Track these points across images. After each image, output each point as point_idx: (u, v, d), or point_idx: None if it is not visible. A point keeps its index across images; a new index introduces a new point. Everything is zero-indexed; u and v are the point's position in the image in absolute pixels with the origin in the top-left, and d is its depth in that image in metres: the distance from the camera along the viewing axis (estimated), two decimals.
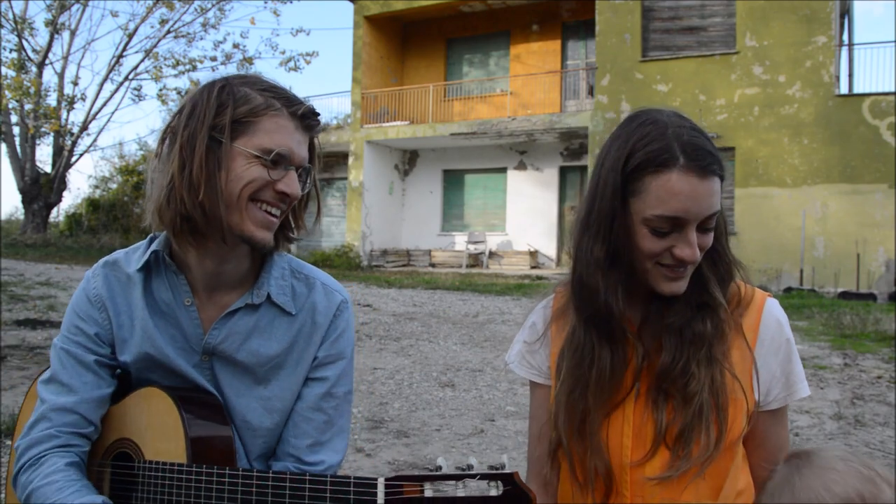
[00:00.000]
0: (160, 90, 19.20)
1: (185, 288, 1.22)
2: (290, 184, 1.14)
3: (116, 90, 19.71)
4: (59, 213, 23.13)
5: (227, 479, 1.09)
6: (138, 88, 22.03)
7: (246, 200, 1.12)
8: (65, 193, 20.16)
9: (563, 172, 16.86)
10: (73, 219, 21.88)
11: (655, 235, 1.07)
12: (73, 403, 1.18)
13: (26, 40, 19.17)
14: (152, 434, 1.19)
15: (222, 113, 1.11)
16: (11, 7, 20.17)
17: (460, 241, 17.55)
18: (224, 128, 1.10)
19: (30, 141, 19.09)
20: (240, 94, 1.12)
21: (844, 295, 11.44)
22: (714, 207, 1.07)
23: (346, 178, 18.16)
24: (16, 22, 18.35)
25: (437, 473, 0.91)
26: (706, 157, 1.05)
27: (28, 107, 18.55)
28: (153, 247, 1.22)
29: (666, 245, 1.08)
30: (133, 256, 1.27)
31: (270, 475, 1.06)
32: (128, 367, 1.24)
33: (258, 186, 1.12)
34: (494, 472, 0.90)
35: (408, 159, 19.03)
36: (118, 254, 1.30)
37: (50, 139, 19.84)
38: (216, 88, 1.13)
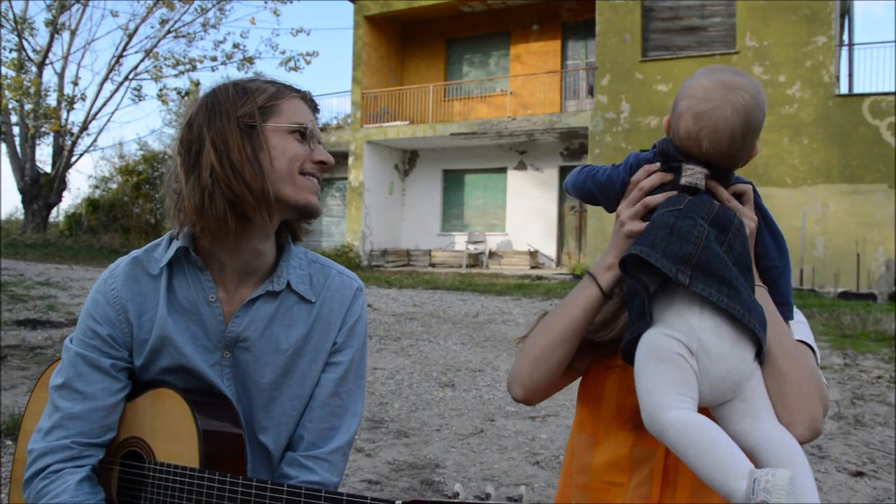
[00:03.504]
0: (160, 90, 19.20)
1: (209, 284, 1.24)
2: (325, 153, 1.24)
3: (116, 90, 19.69)
4: (59, 213, 23.12)
5: (240, 489, 1.09)
6: (138, 88, 22.02)
7: (296, 173, 1.19)
8: (65, 193, 20.14)
9: (564, 172, 16.85)
10: (73, 219, 21.86)
11: None
12: (88, 411, 1.17)
13: (26, 40, 19.18)
14: (165, 435, 1.19)
15: (246, 103, 1.17)
16: (11, 7, 20.19)
17: (460, 241, 17.55)
18: (253, 114, 1.17)
19: (30, 141, 19.07)
20: (253, 86, 1.20)
21: (844, 295, 11.44)
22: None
23: (346, 178, 18.15)
24: (16, 22, 18.34)
25: (455, 500, 0.90)
26: None
27: (28, 107, 18.53)
28: (178, 243, 1.23)
29: None
30: (153, 255, 1.27)
31: (285, 488, 1.06)
32: (144, 369, 1.24)
33: (302, 159, 1.20)
34: (512, 502, 0.90)
35: (408, 159, 19.03)
36: (137, 253, 1.29)
37: (50, 139, 19.83)
38: (230, 87, 1.20)
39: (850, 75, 15.35)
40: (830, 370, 5.49)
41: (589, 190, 1.17)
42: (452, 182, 18.38)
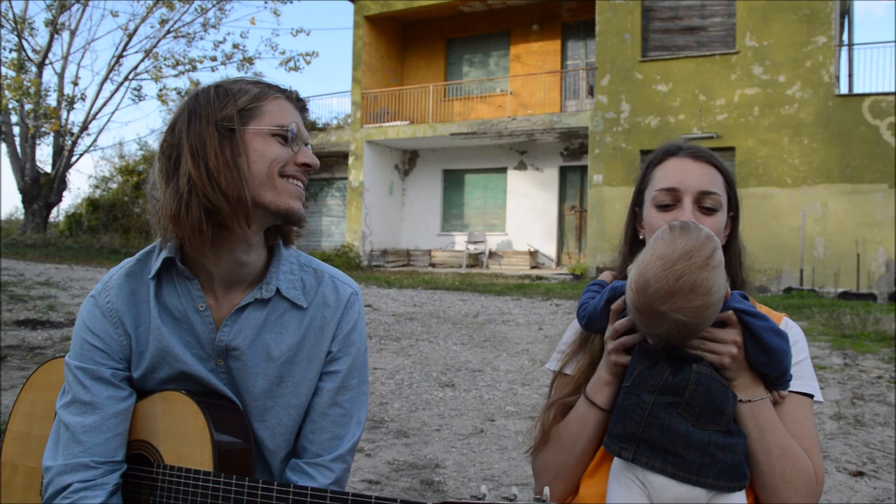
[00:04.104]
0: (160, 90, 19.18)
1: (198, 293, 1.21)
2: (309, 155, 1.20)
3: (116, 90, 19.68)
4: (59, 213, 23.10)
5: (259, 492, 1.07)
6: (138, 88, 22.01)
7: (276, 177, 1.16)
8: (65, 193, 20.12)
9: (563, 172, 16.86)
10: (73, 219, 21.83)
11: (660, 210, 1.24)
12: (100, 421, 1.15)
13: (26, 40, 19.16)
14: (174, 438, 1.17)
15: (227, 106, 1.14)
16: (11, 7, 20.21)
17: (460, 241, 17.55)
18: (233, 118, 1.13)
19: (30, 141, 19.06)
20: (235, 88, 1.17)
21: (844, 295, 11.43)
22: (707, 186, 1.23)
23: (346, 178, 18.14)
24: (16, 22, 18.33)
25: (483, 502, 0.91)
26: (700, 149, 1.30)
27: (28, 107, 18.51)
28: (164, 254, 1.21)
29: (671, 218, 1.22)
30: (146, 265, 1.25)
31: (309, 491, 1.05)
32: (143, 381, 1.22)
33: (283, 162, 1.16)
34: (540, 501, 0.91)
35: (408, 159, 19.03)
36: (129, 265, 1.26)
37: (50, 139, 19.82)
38: (212, 90, 1.17)
39: (850, 75, 15.35)
40: (830, 370, 5.49)
41: (584, 324, 1.27)
42: (452, 182, 18.38)
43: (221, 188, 1.11)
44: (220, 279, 1.22)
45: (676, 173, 1.24)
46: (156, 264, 1.21)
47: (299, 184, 1.20)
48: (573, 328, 1.38)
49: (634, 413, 1.08)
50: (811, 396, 1.21)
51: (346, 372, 1.28)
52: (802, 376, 1.21)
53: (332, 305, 1.29)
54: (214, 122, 1.13)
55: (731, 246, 1.30)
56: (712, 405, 1.06)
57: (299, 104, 1.23)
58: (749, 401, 1.10)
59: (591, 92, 16.12)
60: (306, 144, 1.22)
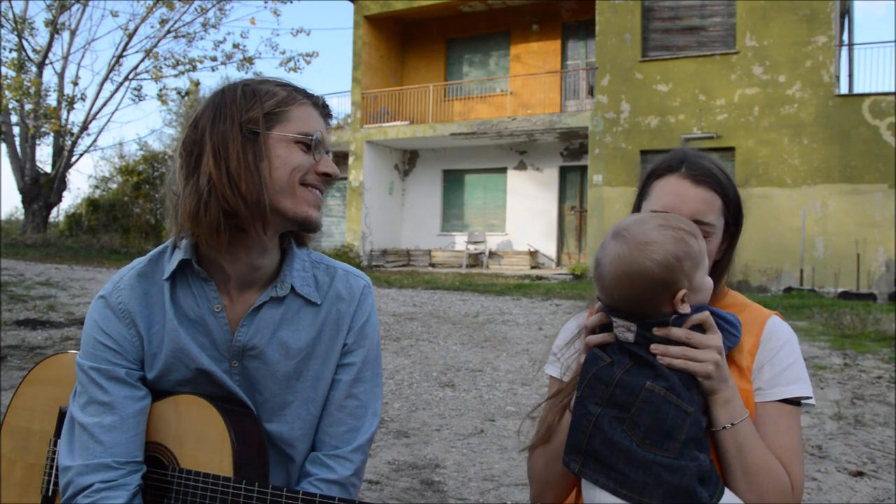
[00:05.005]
0: (160, 90, 19.19)
1: (213, 294, 1.21)
2: (330, 164, 1.19)
3: (116, 90, 19.68)
4: (59, 213, 23.11)
5: (284, 500, 1.06)
6: (138, 88, 21.99)
7: (297, 185, 1.15)
8: (65, 193, 20.13)
9: (563, 172, 16.86)
10: (73, 219, 21.83)
11: None
12: (119, 421, 1.15)
13: (26, 40, 19.17)
14: (192, 443, 1.16)
15: (253, 108, 1.13)
16: (11, 7, 20.20)
17: (460, 241, 17.55)
18: (258, 121, 1.13)
19: (30, 141, 19.06)
20: (263, 90, 1.16)
21: (844, 295, 11.44)
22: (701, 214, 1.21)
23: (346, 178, 18.15)
24: (16, 22, 18.34)
25: None
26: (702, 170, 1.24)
27: (28, 107, 18.52)
28: (180, 255, 1.20)
29: None
30: (157, 266, 1.24)
31: (337, 500, 1.05)
32: (157, 382, 1.21)
33: (305, 170, 1.16)
34: None
35: (408, 159, 19.04)
36: (140, 265, 1.25)
37: (50, 139, 19.83)
38: (239, 88, 1.16)
39: (850, 75, 15.34)
40: (830, 370, 5.49)
41: None
42: (452, 182, 18.38)
43: (241, 192, 1.10)
44: (236, 280, 1.22)
45: (672, 196, 1.21)
46: (170, 266, 1.20)
47: (318, 192, 1.19)
48: (566, 330, 1.37)
49: (582, 424, 1.06)
50: (798, 403, 1.18)
51: (361, 364, 1.31)
52: (791, 381, 1.17)
53: (346, 299, 1.31)
54: (239, 123, 1.12)
55: (721, 261, 1.28)
56: (661, 428, 1.00)
57: (324, 111, 1.22)
58: (732, 425, 1.08)
59: (591, 92, 16.12)
60: (327, 152, 1.21)
